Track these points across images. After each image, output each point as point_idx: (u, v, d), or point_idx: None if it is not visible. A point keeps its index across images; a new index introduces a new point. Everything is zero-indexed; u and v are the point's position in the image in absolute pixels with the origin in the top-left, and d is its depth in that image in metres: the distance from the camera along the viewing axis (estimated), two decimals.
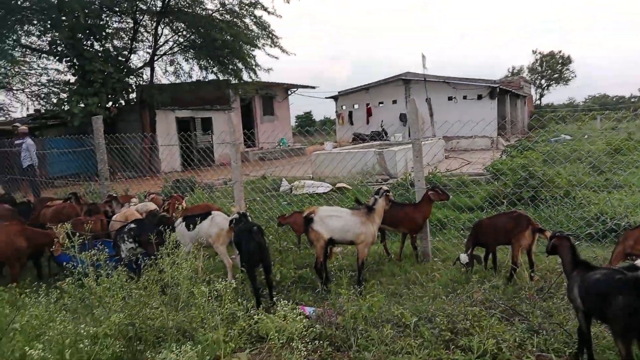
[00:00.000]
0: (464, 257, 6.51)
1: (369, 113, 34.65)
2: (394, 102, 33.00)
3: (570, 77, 79.45)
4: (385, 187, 6.72)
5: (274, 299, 5.65)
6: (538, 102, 76.69)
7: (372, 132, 30.91)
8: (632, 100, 76.25)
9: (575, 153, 18.51)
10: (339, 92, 36.39)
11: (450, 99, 31.60)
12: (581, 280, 3.98)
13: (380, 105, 34.08)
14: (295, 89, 35.21)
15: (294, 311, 4.69)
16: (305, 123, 59.56)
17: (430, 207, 7.24)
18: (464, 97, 31.39)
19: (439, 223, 9.60)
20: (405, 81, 32.73)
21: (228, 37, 22.17)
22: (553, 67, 78.98)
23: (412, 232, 7.32)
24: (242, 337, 4.27)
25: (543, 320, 4.77)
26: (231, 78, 24.14)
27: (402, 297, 5.91)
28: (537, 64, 79.85)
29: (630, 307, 3.51)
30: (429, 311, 4.99)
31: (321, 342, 4.51)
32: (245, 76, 24.01)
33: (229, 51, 22.78)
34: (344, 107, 36.40)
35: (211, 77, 24.45)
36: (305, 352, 3.76)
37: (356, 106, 35.77)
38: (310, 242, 6.82)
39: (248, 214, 6.69)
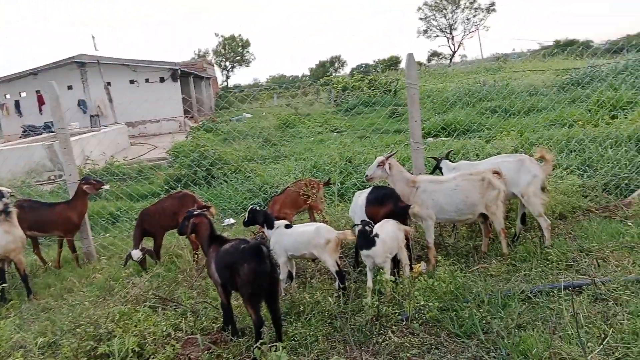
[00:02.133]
0: (136, 254, 6.06)
1: (41, 101, 30.46)
2: (70, 87, 29.76)
3: (250, 59, 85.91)
4: (2, 189, 5.74)
5: None
6: (225, 83, 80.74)
7: (45, 123, 27.30)
8: (303, 79, 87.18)
9: (252, 129, 20.04)
10: None
11: (132, 82, 30.26)
12: (216, 255, 4.06)
13: None
14: None
15: None
16: None
17: (85, 201, 6.55)
18: (147, 80, 30.51)
19: (111, 217, 8.96)
20: (80, 64, 29.80)
21: None
22: (235, 50, 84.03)
23: (68, 234, 6.52)
24: None
25: (196, 301, 4.79)
26: None
27: (52, 311, 5.19)
28: (220, 47, 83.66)
29: (253, 273, 3.71)
30: (75, 322, 4.45)
31: None
32: None
33: None
34: (7, 97, 31.12)
35: None
36: None
37: (23, 94, 31.01)
38: None
39: None
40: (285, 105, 39.27)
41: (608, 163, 7.39)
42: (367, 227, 4.38)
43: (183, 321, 4.33)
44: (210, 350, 3.96)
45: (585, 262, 4.87)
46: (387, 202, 4.95)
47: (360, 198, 5.29)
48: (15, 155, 15.70)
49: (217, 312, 4.53)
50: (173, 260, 6.20)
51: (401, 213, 4.89)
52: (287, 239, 4.80)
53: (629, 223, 5.74)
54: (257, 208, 5.02)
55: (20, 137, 25.77)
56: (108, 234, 8.19)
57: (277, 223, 4.93)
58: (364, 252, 4.48)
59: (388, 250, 4.51)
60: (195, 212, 4.32)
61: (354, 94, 29.86)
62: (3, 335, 4.02)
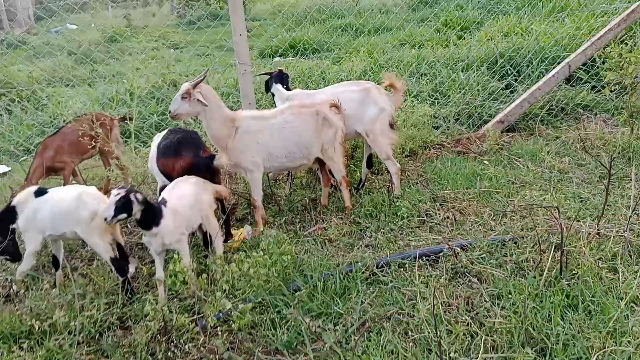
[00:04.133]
0: None
1: None
2: None
3: None
4: None
5: None
6: None
7: None
8: None
9: (70, 43, 16.72)
10: None
11: None
12: None
13: None
14: None
15: None
16: None
17: None
18: None
19: None
20: None
21: None
22: None
23: None
24: None
25: None
26: None
27: None
28: None
29: None
30: None
31: None
32: None
33: None
34: None
35: None
36: None
37: None
38: None
39: None
40: (121, 16, 34.40)
41: (460, 89, 6.66)
42: (133, 196, 2.87)
43: None
44: None
45: (440, 215, 4.00)
46: (184, 152, 3.50)
47: (155, 142, 3.78)
48: None
49: None
50: None
51: (205, 166, 3.50)
52: (42, 213, 3.17)
53: (485, 161, 5.04)
54: None
55: None
56: None
57: (20, 196, 3.27)
58: (144, 236, 3.07)
59: (184, 224, 3.14)
60: None
61: (199, 4, 26.75)
62: None
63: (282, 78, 4.73)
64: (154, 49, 16.72)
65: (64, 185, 4.71)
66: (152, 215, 2.94)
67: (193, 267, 3.07)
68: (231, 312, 2.78)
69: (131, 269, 3.48)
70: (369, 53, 9.47)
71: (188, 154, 3.47)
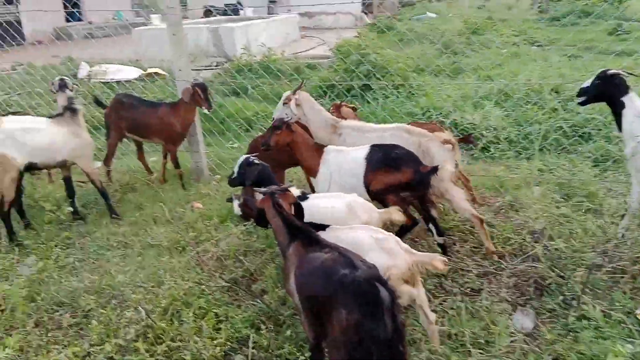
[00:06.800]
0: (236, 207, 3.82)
1: None
2: None
3: None
4: (65, 79, 4.76)
5: None
6: None
7: (225, 4, 27.18)
8: None
9: (432, 31, 17.16)
10: None
11: None
12: (299, 265, 2.26)
13: None
14: None
15: None
16: None
17: (192, 108, 5.12)
18: None
19: (246, 122, 7.57)
20: None
21: None
22: None
23: (169, 144, 5.24)
24: None
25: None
26: None
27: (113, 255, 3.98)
28: None
29: (356, 330, 1.87)
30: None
31: None
32: None
33: None
34: None
35: None
36: None
37: None
38: None
39: None
40: (477, 7, 34.23)
41: None
42: None
43: (253, 332, 2.73)
44: None
45: None
46: (404, 167, 3.22)
47: (356, 155, 3.41)
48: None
49: None
50: None
51: (422, 184, 3.18)
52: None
53: None
54: (256, 161, 3.26)
55: (202, 17, 26.04)
56: (237, 144, 6.91)
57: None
58: None
59: None
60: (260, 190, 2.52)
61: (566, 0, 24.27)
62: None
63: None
64: (514, 44, 15.73)
65: None
66: None
67: None
68: None
69: None
70: None
71: (408, 169, 3.20)
